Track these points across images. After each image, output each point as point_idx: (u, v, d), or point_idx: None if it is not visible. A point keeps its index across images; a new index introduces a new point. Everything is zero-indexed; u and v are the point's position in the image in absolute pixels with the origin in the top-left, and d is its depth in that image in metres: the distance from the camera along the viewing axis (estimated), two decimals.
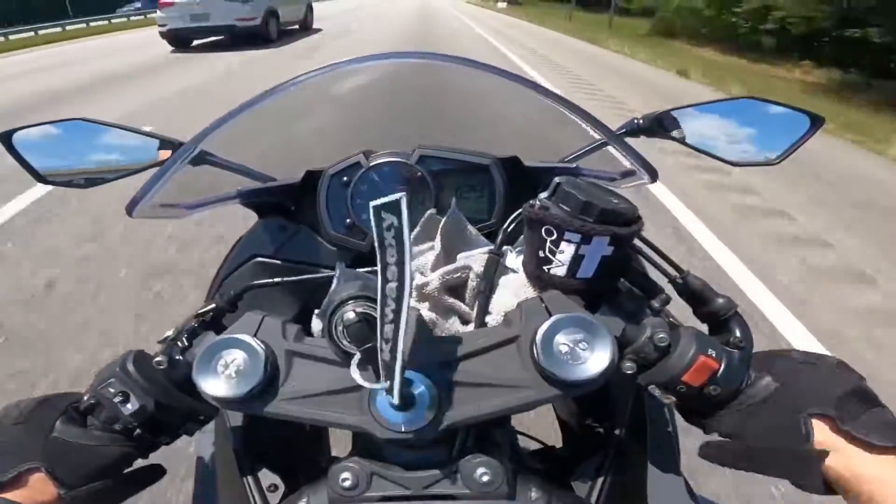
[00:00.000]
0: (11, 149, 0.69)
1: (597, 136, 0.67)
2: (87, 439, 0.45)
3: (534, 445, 0.75)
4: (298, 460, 0.62)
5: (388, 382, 0.39)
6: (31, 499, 0.42)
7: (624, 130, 0.75)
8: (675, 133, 0.74)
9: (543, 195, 0.47)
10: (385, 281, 0.35)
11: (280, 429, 0.64)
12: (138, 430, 0.46)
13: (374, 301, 0.40)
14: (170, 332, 0.51)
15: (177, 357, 0.48)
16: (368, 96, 0.73)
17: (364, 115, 0.78)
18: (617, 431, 0.58)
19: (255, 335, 0.43)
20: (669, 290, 0.52)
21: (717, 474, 1.58)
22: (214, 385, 0.42)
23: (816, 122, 0.73)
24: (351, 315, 0.40)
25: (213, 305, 0.53)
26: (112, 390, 0.45)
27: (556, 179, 0.47)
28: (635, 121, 0.75)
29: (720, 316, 0.48)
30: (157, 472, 0.51)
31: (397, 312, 0.36)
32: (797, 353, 0.46)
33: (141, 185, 0.57)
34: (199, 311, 0.53)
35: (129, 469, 0.48)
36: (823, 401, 0.41)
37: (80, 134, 0.73)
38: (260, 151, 0.70)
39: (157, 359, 0.47)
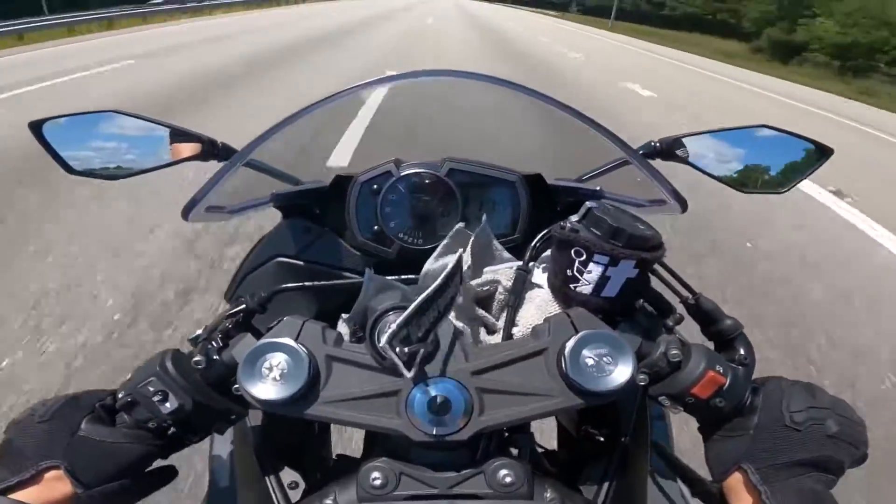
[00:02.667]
0: (41, 138, 0.69)
1: (617, 155, 0.70)
2: (114, 437, 0.45)
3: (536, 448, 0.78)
4: (309, 458, 0.64)
5: (429, 388, 0.42)
6: (44, 498, 0.41)
7: (641, 152, 0.77)
8: (689, 158, 0.77)
9: (574, 218, 0.49)
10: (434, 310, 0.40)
11: (295, 428, 0.66)
12: (172, 429, 0.47)
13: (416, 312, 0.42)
14: (200, 331, 0.52)
15: (214, 357, 0.49)
16: (396, 106, 0.74)
17: (394, 122, 0.80)
18: (621, 438, 0.61)
19: (296, 339, 0.45)
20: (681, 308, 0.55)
21: None
22: (260, 388, 0.43)
23: (825, 152, 0.76)
24: (396, 327, 0.42)
25: (244, 306, 0.55)
26: (151, 389, 0.46)
27: (588, 204, 0.49)
28: (652, 143, 0.78)
29: (726, 335, 0.53)
30: (170, 473, 0.52)
31: (435, 325, 0.40)
32: (802, 413, 0.46)
33: (196, 191, 0.59)
34: (230, 312, 0.54)
35: (146, 469, 0.48)
36: (765, 460, 0.45)
37: (112, 125, 0.73)
38: (290, 156, 0.71)
39: (196, 359, 0.48)
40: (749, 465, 0.45)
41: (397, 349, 0.41)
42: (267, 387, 0.43)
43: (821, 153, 0.77)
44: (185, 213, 0.60)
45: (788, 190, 0.78)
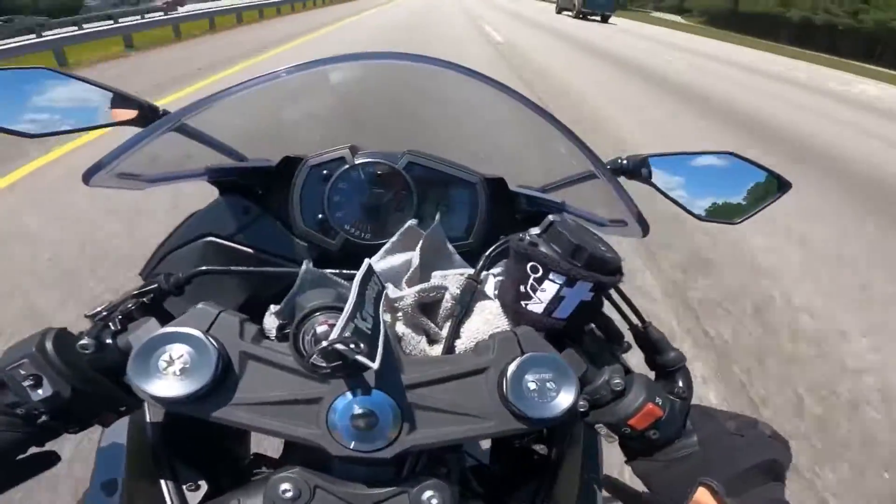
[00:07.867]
0: None
1: (584, 169, 0.67)
2: None
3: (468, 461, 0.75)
4: (220, 458, 0.58)
5: (355, 398, 0.39)
6: None
7: (608, 168, 0.75)
8: (653, 179, 0.76)
9: (534, 231, 0.47)
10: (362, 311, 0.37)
11: (204, 425, 0.61)
12: (44, 418, 0.42)
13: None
14: (100, 308, 0.46)
15: (107, 341, 0.44)
16: (359, 89, 0.70)
17: (352, 107, 0.75)
18: (553, 460, 0.59)
19: (207, 332, 0.40)
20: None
21: None
22: (154, 382, 0.38)
23: (784, 187, 0.77)
24: (324, 329, 0.38)
25: (156, 286, 0.49)
26: (23, 372, 0.41)
27: (550, 218, 0.47)
28: (619, 160, 0.76)
29: (669, 367, 0.53)
30: (50, 460, 0.47)
31: (374, 342, 0.37)
32: (734, 421, 0.49)
33: (105, 153, 0.52)
34: (137, 291, 0.48)
35: (20, 456, 0.43)
36: (723, 472, 0.45)
37: (48, 85, 0.68)
38: (238, 133, 0.66)
39: (83, 342, 0.43)
40: (711, 481, 0.44)
41: (323, 352, 0.38)
42: (164, 382, 0.38)
43: (780, 186, 0.77)
44: (87, 176, 0.53)
45: (742, 221, 0.78)
